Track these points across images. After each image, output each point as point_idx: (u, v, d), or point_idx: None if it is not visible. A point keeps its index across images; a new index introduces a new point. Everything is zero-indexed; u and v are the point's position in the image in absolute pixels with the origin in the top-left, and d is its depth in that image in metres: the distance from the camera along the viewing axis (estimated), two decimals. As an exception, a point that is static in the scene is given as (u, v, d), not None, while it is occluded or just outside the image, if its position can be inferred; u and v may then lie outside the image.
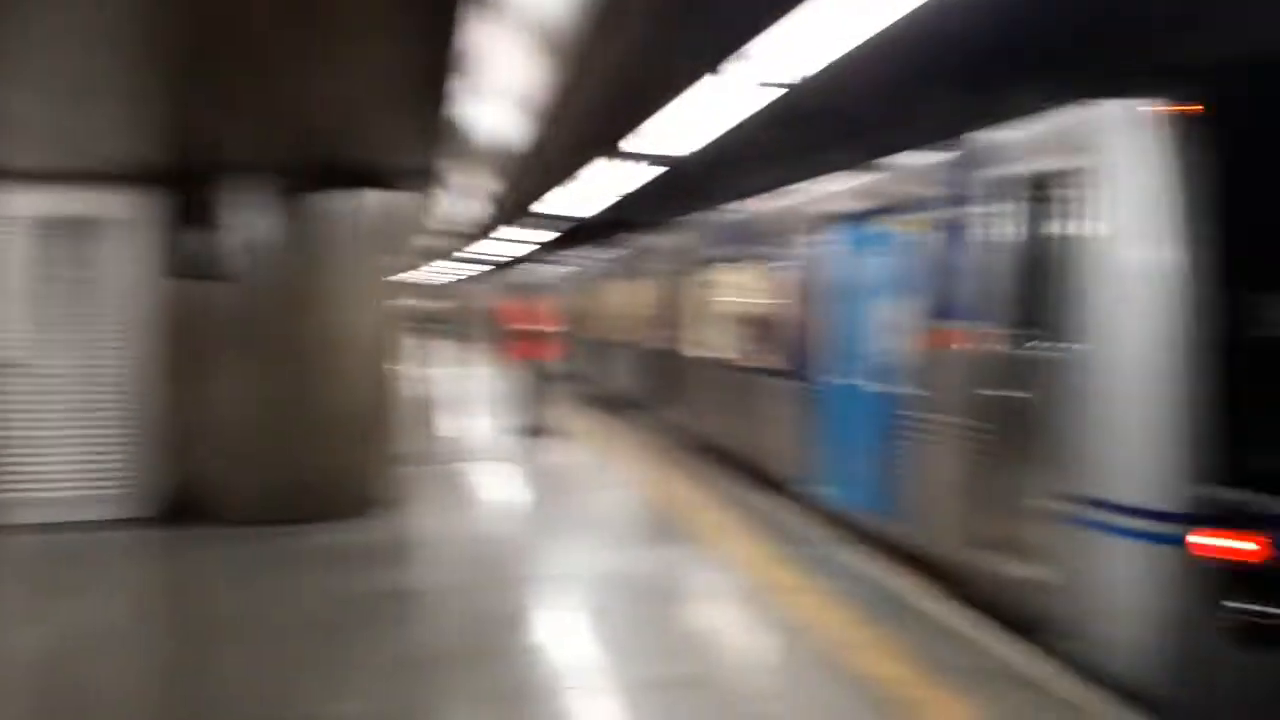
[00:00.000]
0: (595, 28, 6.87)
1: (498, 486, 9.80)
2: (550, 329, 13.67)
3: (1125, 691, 4.41)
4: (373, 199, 8.31)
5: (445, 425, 14.69)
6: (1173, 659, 4.35)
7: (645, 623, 5.53)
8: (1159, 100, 4.62)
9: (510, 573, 6.63)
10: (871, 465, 7.45)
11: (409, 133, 6.62)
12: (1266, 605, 4.21)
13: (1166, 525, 4.37)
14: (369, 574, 6.54)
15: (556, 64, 7.43)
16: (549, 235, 22.41)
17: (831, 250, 8.14)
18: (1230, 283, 4.42)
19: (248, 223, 7.78)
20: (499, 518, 8.40)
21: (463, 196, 14.64)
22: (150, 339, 7.96)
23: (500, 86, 6.90)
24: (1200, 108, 4.54)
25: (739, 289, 12.17)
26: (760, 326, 10.71)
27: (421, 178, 8.46)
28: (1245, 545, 4.24)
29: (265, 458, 7.85)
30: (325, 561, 6.86)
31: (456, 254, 34.13)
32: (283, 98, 5.50)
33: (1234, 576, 4.24)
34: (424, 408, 16.97)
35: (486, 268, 37.50)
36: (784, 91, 6.34)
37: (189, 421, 8.30)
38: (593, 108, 9.65)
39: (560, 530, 7.75)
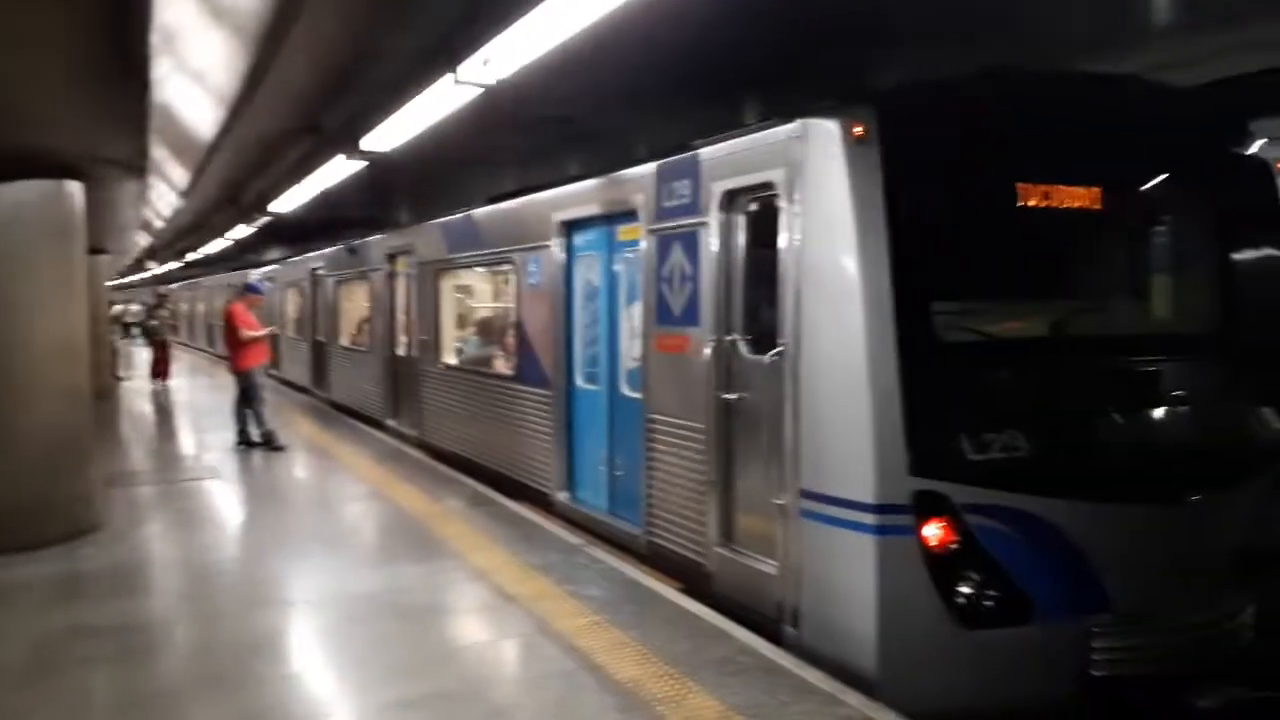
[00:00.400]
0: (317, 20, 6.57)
1: (227, 504, 9.12)
2: (276, 334, 12.90)
3: (859, 677, 4.71)
4: (70, 190, 7.46)
5: (169, 438, 13.54)
6: (894, 643, 4.70)
7: (392, 642, 5.33)
8: (841, 120, 4.99)
9: (246, 597, 6.16)
10: (617, 470, 7.64)
11: (103, 117, 5.88)
12: (967, 585, 4.71)
13: (876, 516, 4.71)
14: (82, 608, 5.89)
15: (278, 58, 6.98)
16: (270, 234, 21.16)
17: (563, 256, 8.27)
18: (911, 290, 4.82)
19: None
20: (229, 539, 7.81)
21: (181, 192, 13.48)
22: None
23: (208, 74, 6.35)
24: (869, 126, 4.90)
25: (477, 293, 12.13)
26: (500, 332, 10.71)
27: (126, 168, 7.65)
28: (941, 532, 4.71)
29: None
30: (24, 598, 6.10)
31: (179, 253, 31.49)
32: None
33: (940, 561, 4.68)
34: (143, 419, 15.60)
35: (210, 269, 34.89)
36: (480, 91, 6.25)
37: None
38: (324, 104, 9.23)
39: (299, 549, 7.30)
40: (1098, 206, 5.36)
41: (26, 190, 7.05)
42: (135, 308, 35.38)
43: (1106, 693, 4.76)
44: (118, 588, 6.40)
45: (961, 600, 4.70)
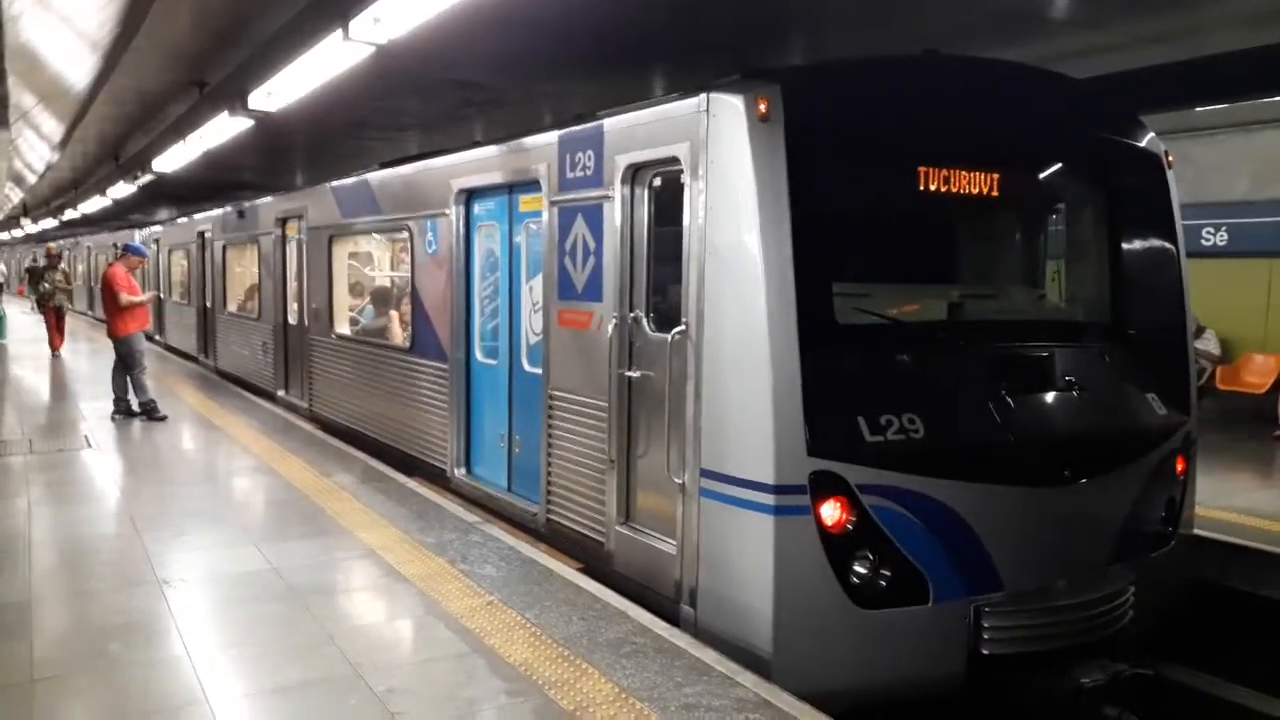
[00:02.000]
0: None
1: (102, 476, 8.63)
2: (158, 298, 12.28)
3: (756, 657, 4.71)
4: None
5: (44, 406, 12.78)
6: (790, 623, 4.70)
7: (274, 624, 5.09)
8: (745, 95, 4.88)
9: (118, 577, 5.81)
10: (516, 447, 7.49)
11: None
12: (863, 565, 4.73)
13: (774, 496, 4.69)
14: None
15: (155, 4, 6.54)
16: (157, 194, 20.17)
17: (462, 225, 8.02)
18: (812, 271, 4.79)
19: None
20: (101, 513, 7.37)
21: (55, 145, 12.66)
22: None
23: (75, 18, 5.89)
24: (774, 103, 4.82)
25: (372, 261, 11.75)
26: (396, 302, 10.40)
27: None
28: (837, 512, 4.72)
29: None
30: None
31: (56, 210, 29.76)
32: None
33: (836, 541, 4.69)
34: (16, 385, 14.69)
35: (93, 229, 33.18)
36: (372, 51, 5.98)
37: None
38: (209, 58, 8.75)
39: (177, 525, 6.92)
40: (996, 192, 5.42)
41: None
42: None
43: (996, 670, 4.86)
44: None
45: (857, 580, 4.74)
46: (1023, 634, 4.91)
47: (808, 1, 6.99)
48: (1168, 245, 6.04)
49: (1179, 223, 6.08)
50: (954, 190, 5.32)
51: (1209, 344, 11.57)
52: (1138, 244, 5.99)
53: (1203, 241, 11.65)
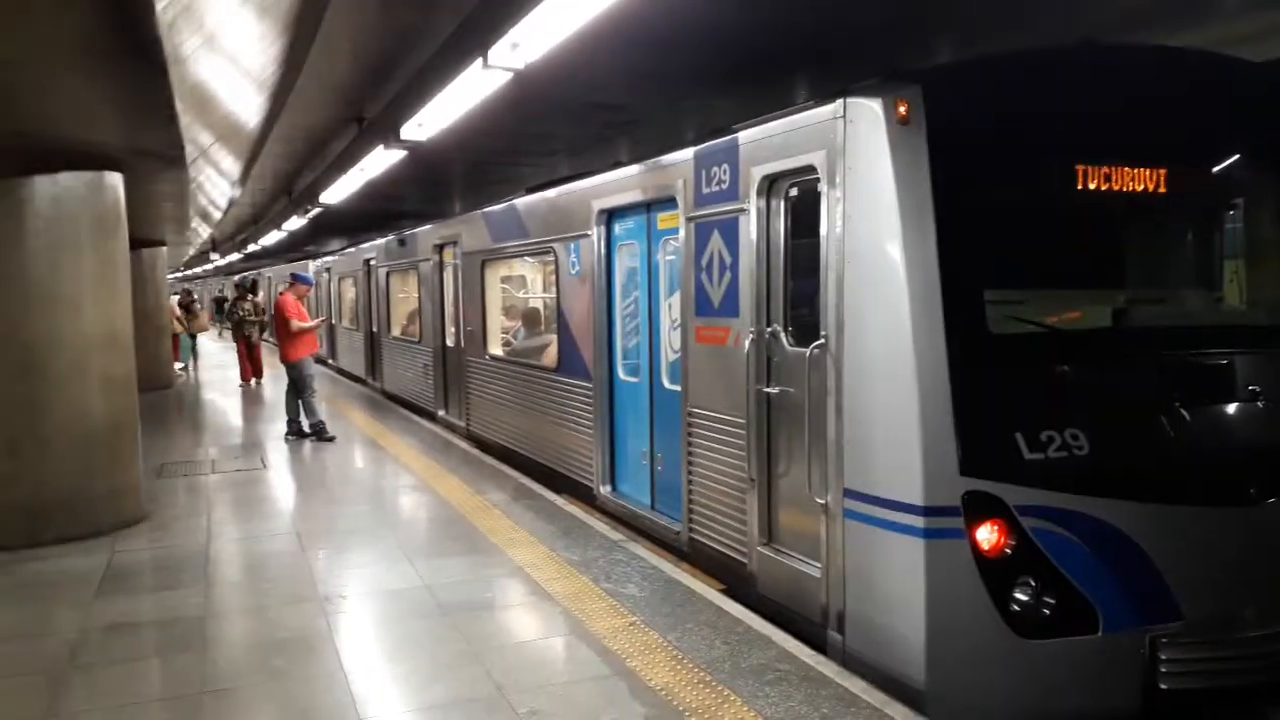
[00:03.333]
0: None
1: (273, 495, 9.14)
2: (325, 324, 12.99)
3: (907, 687, 4.49)
4: (111, 182, 7.46)
5: (222, 429, 13.71)
6: (944, 652, 4.44)
7: (428, 640, 5.22)
8: (884, 99, 4.68)
9: (289, 592, 6.11)
10: (658, 464, 7.46)
11: (125, 104, 5.71)
12: (1024, 592, 4.43)
13: (924, 518, 4.44)
14: (123, 601, 5.89)
15: (316, 44, 6.90)
16: (326, 226, 21.36)
17: (603, 245, 8.08)
18: (960, 278, 4.53)
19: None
20: (273, 531, 7.79)
21: (234, 181, 13.59)
22: None
23: (241, 59, 6.27)
24: (915, 105, 4.61)
25: (521, 284, 12.03)
26: (543, 323, 10.59)
27: (163, 158, 7.63)
28: (994, 535, 4.44)
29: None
30: (60, 592, 6.13)
31: (240, 244, 32.08)
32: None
33: (994, 566, 4.40)
34: (198, 410, 15.83)
35: (272, 260, 35.63)
36: (510, 77, 6.06)
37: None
38: (365, 93, 9.18)
39: (341, 542, 7.26)
40: (1164, 189, 5.01)
41: (66, 182, 7.07)
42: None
43: (1176, 707, 4.46)
44: (159, 580, 6.41)
45: (1017, 608, 4.43)
46: (1206, 668, 4.48)
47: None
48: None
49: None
50: (1116, 188, 4.94)
51: None
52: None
53: None
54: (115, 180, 7.50)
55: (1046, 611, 4.44)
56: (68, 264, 7.12)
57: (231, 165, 11.62)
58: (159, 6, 3.74)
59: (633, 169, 7.54)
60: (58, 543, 7.07)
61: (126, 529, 7.56)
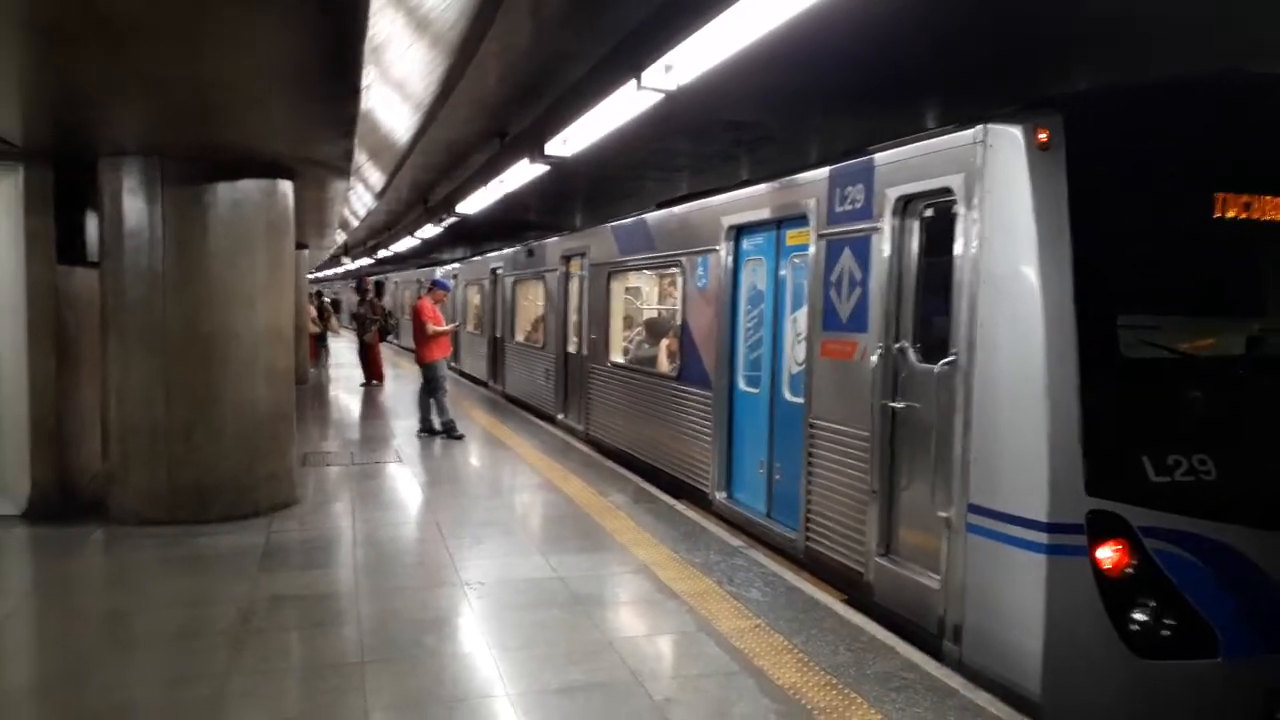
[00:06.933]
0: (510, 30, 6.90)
1: (408, 486, 9.71)
2: (454, 329, 13.64)
3: (1022, 699, 4.61)
4: (284, 189, 8.13)
5: (357, 423, 14.50)
6: (1061, 666, 4.56)
7: (557, 628, 5.55)
8: (1024, 125, 4.86)
9: (423, 576, 6.56)
10: (776, 473, 7.68)
11: (316, 121, 6.34)
12: (1143, 612, 4.52)
13: (1048, 535, 4.58)
14: (279, 577, 6.41)
15: (471, 66, 7.39)
16: (454, 234, 22.20)
17: (730, 260, 8.37)
18: (1094, 301, 4.67)
19: (135, 208, 7.51)
20: (409, 519, 8.31)
21: (377, 193, 14.39)
22: (21, 326, 7.76)
23: (407, 82, 6.79)
24: (1055, 132, 4.78)
25: (646, 295, 12.41)
26: (666, 333, 10.92)
27: (332, 169, 8.27)
28: (1116, 555, 4.54)
29: (159, 454, 7.64)
30: (229, 564, 6.69)
31: (370, 250, 33.57)
32: (169, 76, 5.11)
33: (1114, 585, 4.51)
34: (334, 405, 16.72)
35: (400, 265, 37.16)
36: (660, 98, 6.37)
37: (71, 414, 8.04)
38: (511, 110, 9.67)
39: (472, 532, 7.69)
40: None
41: (246, 188, 7.76)
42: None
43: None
44: (313, 559, 6.93)
45: (1135, 627, 4.52)
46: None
47: (1102, 25, 6.74)
48: None
49: None
50: (1256, 217, 4.99)
51: None
52: None
53: None
54: (287, 187, 8.16)
55: (1165, 633, 4.53)
56: (244, 263, 7.78)
57: (377, 179, 12.32)
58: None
59: (763, 187, 7.81)
60: (221, 520, 7.69)
61: (280, 511, 8.16)
